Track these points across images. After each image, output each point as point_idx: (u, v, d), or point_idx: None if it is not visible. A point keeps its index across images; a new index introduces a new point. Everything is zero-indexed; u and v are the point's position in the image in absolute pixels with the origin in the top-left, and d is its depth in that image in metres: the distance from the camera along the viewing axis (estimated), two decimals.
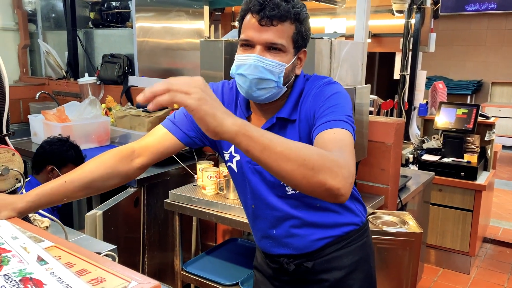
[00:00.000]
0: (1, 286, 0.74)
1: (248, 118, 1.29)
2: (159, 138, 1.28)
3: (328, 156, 0.93)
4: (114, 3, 3.97)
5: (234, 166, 1.33)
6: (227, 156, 1.34)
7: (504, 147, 5.08)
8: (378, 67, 9.11)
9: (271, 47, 1.15)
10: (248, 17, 1.15)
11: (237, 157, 1.31)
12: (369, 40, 4.62)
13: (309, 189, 0.91)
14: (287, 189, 1.28)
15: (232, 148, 1.32)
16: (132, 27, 3.70)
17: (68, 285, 0.75)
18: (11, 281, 0.75)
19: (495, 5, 3.57)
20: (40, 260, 0.84)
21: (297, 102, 1.23)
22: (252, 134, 0.87)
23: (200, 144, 1.36)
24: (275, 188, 1.29)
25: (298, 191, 1.27)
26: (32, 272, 0.79)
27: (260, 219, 1.36)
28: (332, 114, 1.12)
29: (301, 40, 1.20)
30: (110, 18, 3.93)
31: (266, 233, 1.37)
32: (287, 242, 1.35)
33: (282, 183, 1.26)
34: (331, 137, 1.06)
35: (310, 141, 1.19)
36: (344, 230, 1.35)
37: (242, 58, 1.17)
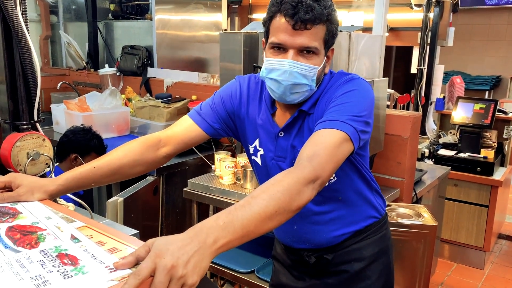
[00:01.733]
0: (40, 260, 0.79)
1: (273, 115, 1.30)
2: (185, 129, 1.32)
3: (290, 183, 0.93)
4: None
5: (258, 160, 1.35)
6: (251, 150, 1.36)
7: None
8: (395, 61, 9.02)
9: (304, 51, 1.14)
10: (279, 19, 1.13)
11: (261, 152, 1.33)
12: (386, 34, 4.60)
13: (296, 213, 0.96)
14: None
15: (256, 142, 1.34)
16: (151, 19, 3.76)
17: (101, 261, 0.79)
18: (48, 257, 0.81)
19: None
20: (74, 238, 0.89)
21: (319, 97, 1.24)
22: (229, 239, 0.81)
23: (225, 135, 1.39)
24: None
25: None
26: (67, 248, 0.84)
27: None
28: (334, 113, 1.11)
29: (331, 39, 1.19)
30: (130, 10, 3.99)
31: (287, 228, 1.39)
32: (308, 238, 1.37)
33: None
34: (316, 139, 1.06)
35: None
36: (365, 224, 1.36)
37: (274, 63, 1.16)
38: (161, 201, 2.53)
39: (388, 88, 5.40)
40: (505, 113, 3.62)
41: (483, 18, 7.93)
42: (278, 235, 1.46)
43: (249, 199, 0.88)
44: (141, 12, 3.99)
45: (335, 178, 1.28)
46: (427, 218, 2.04)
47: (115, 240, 0.90)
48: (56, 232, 0.91)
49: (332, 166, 1.03)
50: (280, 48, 1.16)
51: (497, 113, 3.44)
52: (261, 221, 0.86)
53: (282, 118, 1.29)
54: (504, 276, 3.34)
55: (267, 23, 1.19)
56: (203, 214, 2.49)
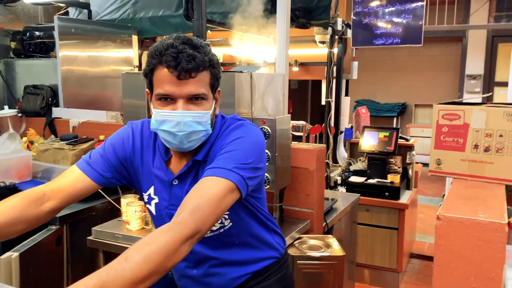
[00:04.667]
0: None
1: (168, 162, 1.28)
2: (73, 180, 1.24)
3: (168, 243, 0.91)
4: (37, 33, 3.85)
5: (152, 208, 1.32)
6: (146, 198, 1.33)
7: (427, 165, 5.42)
8: (311, 93, 9.45)
9: (193, 98, 1.14)
10: (162, 70, 1.13)
11: (156, 200, 1.30)
12: (296, 69, 4.81)
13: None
14: None
15: (151, 190, 1.30)
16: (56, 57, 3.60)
17: None
18: None
19: (399, 40, 4.01)
20: None
21: (212, 144, 1.24)
22: None
23: (118, 184, 1.33)
24: None
25: (217, 233, 1.29)
26: None
27: None
28: (222, 161, 1.12)
29: (216, 82, 1.21)
30: (33, 48, 3.80)
31: (185, 273, 1.36)
32: (207, 281, 1.34)
33: None
34: (201, 190, 1.06)
35: None
36: (264, 264, 1.37)
37: (165, 114, 1.14)
38: (66, 252, 2.35)
39: (305, 119, 5.57)
40: (407, 139, 3.89)
41: (387, 51, 8.62)
42: (177, 280, 1.42)
43: (122, 262, 0.85)
44: (46, 50, 3.81)
45: (231, 224, 1.28)
46: (335, 249, 2.09)
47: None
48: None
49: (214, 218, 1.03)
50: (168, 99, 1.15)
51: (399, 140, 3.69)
52: (134, 285, 0.83)
53: (177, 165, 1.27)
54: None
55: (148, 75, 1.17)
56: None
